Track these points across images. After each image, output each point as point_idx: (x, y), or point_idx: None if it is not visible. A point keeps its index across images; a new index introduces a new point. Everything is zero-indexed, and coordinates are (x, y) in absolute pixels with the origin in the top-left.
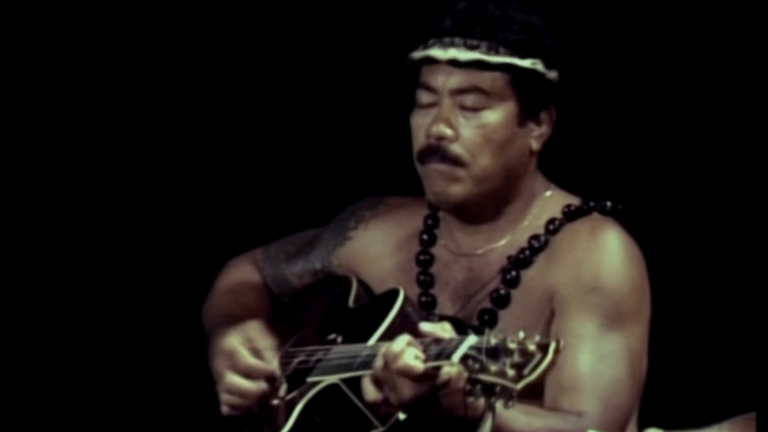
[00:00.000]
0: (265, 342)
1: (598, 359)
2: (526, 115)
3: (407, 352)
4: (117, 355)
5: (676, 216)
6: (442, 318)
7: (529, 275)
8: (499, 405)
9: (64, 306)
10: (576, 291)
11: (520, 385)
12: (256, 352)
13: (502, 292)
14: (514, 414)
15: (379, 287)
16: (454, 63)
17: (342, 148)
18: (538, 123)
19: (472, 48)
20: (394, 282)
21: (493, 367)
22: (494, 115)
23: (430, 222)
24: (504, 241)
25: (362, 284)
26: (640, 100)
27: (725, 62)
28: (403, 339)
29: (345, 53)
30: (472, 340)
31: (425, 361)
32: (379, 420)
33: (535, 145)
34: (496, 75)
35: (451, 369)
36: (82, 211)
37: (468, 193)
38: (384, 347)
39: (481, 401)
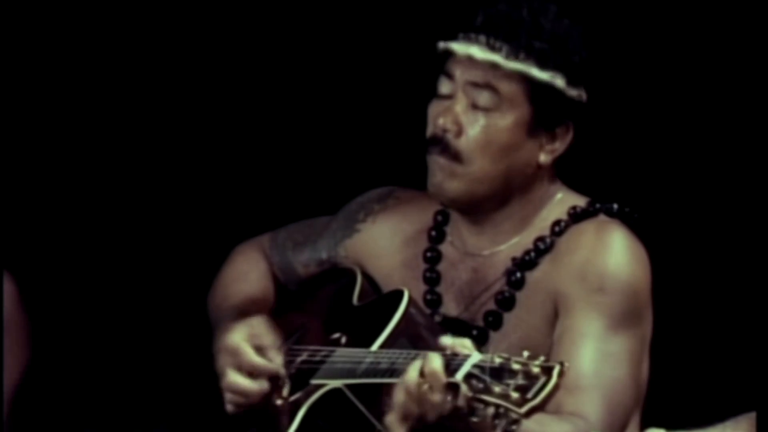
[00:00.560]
0: (270, 338)
1: (602, 359)
2: (537, 127)
3: (436, 360)
4: (117, 355)
5: (681, 219)
6: (447, 319)
7: (534, 277)
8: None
9: (64, 306)
10: (581, 291)
11: (524, 410)
12: (261, 350)
13: (507, 293)
14: (527, 424)
15: (385, 282)
16: (472, 59)
17: (351, 135)
18: (552, 137)
19: (492, 48)
20: (399, 277)
21: (497, 389)
22: (503, 119)
23: (439, 218)
24: (510, 244)
25: (367, 278)
26: (650, 104)
27: (731, 63)
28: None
29: (360, 40)
30: (476, 357)
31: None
32: (383, 426)
33: (544, 158)
34: (513, 79)
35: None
36: (81, 210)
37: (463, 191)
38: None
39: (485, 422)
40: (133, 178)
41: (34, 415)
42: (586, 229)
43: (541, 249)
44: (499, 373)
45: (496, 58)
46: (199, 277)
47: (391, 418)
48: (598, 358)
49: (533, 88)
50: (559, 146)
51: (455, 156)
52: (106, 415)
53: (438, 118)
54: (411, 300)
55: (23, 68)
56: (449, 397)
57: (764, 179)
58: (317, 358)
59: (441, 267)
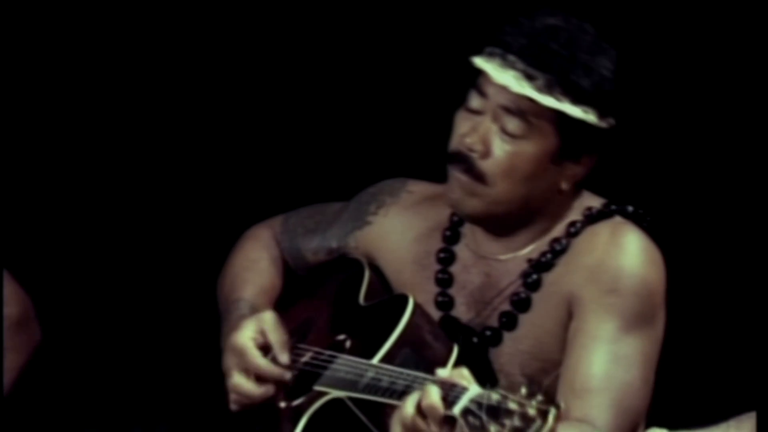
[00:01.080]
0: (279, 335)
1: (613, 361)
2: (563, 156)
3: (434, 392)
4: (118, 355)
5: (694, 222)
6: (457, 323)
7: (549, 279)
8: None
9: (64, 306)
10: (594, 292)
11: None
12: (268, 348)
13: (523, 295)
14: None
15: (395, 278)
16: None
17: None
18: (576, 164)
19: (529, 78)
20: (410, 274)
21: (492, 428)
22: (530, 147)
23: (455, 219)
24: (525, 250)
25: (376, 271)
26: (667, 108)
27: (747, 71)
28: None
29: (370, 34)
30: (473, 392)
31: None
32: None
33: (565, 185)
34: (545, 110)
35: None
36: (82, 208)
37: (482, 210)
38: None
39: None
40: (134, 174)
41: (35, 415)
42: (601, 230)
43: (557, 250)
44: (496, 411)
45: (532, 93)
46: (199, 277)
47: None
48: (609, 360)
49: (564, 121)
50: (581, 172)
51: (479, 177)
52: (106, 415)
53: (466, 137)
54: (416, 307)
55: (23, 68)
56: (445, 430)
57: None
58: (321, 361)
59: (454, 269)
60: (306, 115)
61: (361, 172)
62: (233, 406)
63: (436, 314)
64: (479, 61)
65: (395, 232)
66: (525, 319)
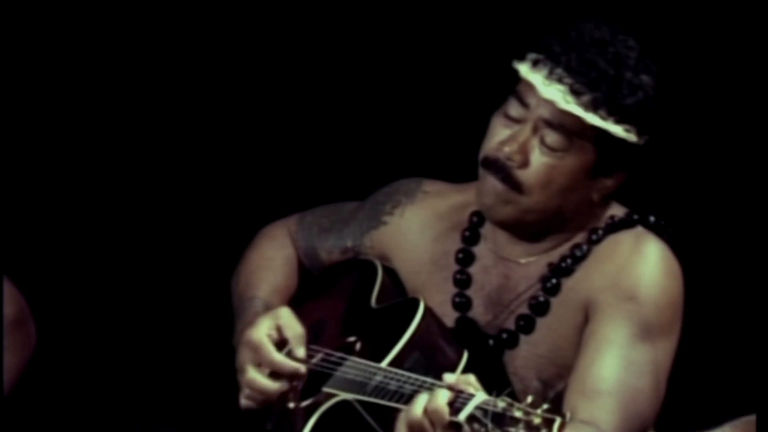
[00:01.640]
0: (295, 330)
1: (625, 367)
2: (598, 170)
3: (442, 397)
4: (118, 354)
5: (713, 234)
6: (473, 324)
7: (567, 284)
8: None
9: (64, 306)
10: (612, 298)
11: None
12: (283, 345)
13: (542, 299)
14: None
15: (412, 279)
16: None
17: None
18: (609, 178)
19: (575, 94)
20: (427, 275)
21: None
22: (568, 161)
23: (475, 219)
24: (547, 254)
25: (389, 273)
26: (697, 125)
27: None
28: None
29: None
30: (480, 398)
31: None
32: None
33: (596, 196)
34: (587, 127)
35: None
36: (82, 207)
37: (514, 217)
38: (420, 399)
39: None
40: (136, 173)
41: (35, 415)
42: (623, 239)
43: (578, 256)
44: (501, 418)
45: (577, 110)
46: (199, 277)
47: None
48: (621, 365)
49: (603, 137)
50: (613, 185)
51: (515, 186)
52: (105, 415)
53: (505, 145)
54: (426, 311)
55: (23, 70)
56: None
57: None
58: (331, 362)
59: (473, 269)
60: (320, 115)
61: (376, 171)
62: (245, 403)
63: (453, 315)
64: (524, 70)
65: (412, 232)
66: (542, 323)
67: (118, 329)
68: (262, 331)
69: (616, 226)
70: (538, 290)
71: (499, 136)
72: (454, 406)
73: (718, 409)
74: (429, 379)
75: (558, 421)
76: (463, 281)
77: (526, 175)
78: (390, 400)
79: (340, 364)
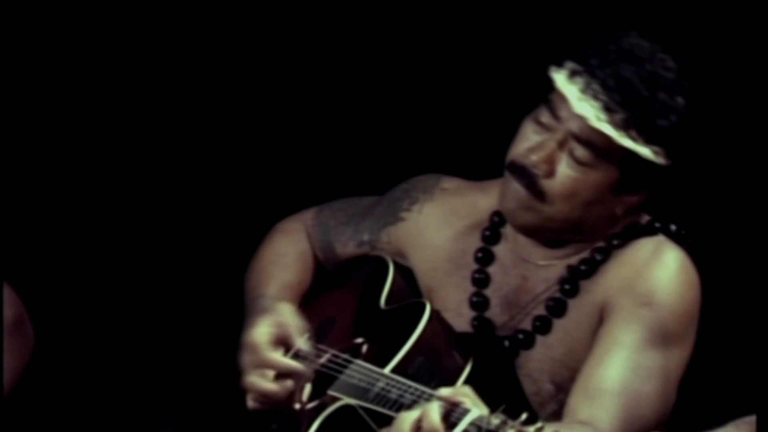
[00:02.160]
0: (295, 326)
1: (632, 370)
2: (624, 188)
3: (435, 411)
4: (117, 354)
5: (735, 247)
6: (489, 324)
7: (585, 287)
8: None
9: (64, 306)
10: (627, 301)
11: None
12: (284, 341)
13: (560, 299)
14: None
15: (429, 276)
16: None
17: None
18: (634, 194)
19: (608, 111)
20: (445, 273)
21: None
22: (594, 176)
23: (496, 219)
24: (567, 258)
25: (401, 271)
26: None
27: None
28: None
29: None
30: (474, 414)
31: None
32: None
33: (620, 211)
34: (616, 146)
35: None
36: (82, 207)
37: (535, 224)
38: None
39: None
40: (136, 172)
41: (35, 416)
42: (644, 245)
43: (598, 260)
44: None
45: (608, 130)
46: (199, 277)
47: None
48: (628, 367)
49: (631, 156)
50: (638, 201)
51: (539, 195)
52: (105, 415)
53: (532, 153)
54: (432, 316)
55: (23, 70)
56: None
57: None
58: (337, 364)
59: (492, 269)
60: (339, 111)
61: (396, 168)
62: (251, 404)
63: (469, 314)
64: (560, 81)
65: (430, 229)
66: (558, 325)
67: (118, 329)
68: (259, 332)
69: (638, 233)
70: (555, 291)
71: (528, 143)
72: (449, 421)
73: (721, 409)
74: (428, 390)
75: None
76: (481, 280)
77: (550, 185)
78: (390, 408)
79: (345, 367)
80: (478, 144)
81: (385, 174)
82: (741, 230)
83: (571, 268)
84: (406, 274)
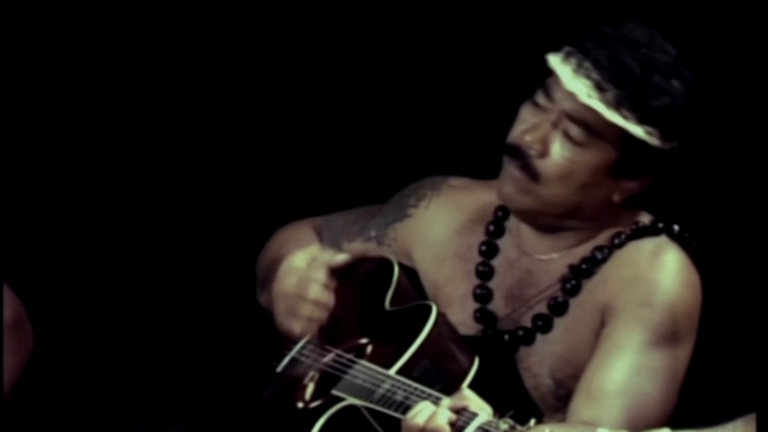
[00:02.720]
0: (330, 255)
1: (635, 371)
2: (620, 170)
3: (443, 416)
4: (118, 355)
5: (738, 249)
6: (492, 317)
7: (587, 287)
8: None
9: (64, 306)
10: (628, 303)
11: None
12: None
13: (561, 299)
14: None
15: (434, 272)
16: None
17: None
18: (632, 180)
19: (600, 90)
20: (451, 268)
21: None
22: (589, 156)
23: (500, 213)
24: (569, 252)
25: (406, 271)
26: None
27: None
28: (445, 406)
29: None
30: (482, 418)
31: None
32: None
33: (618, 198)
34: (609, 124)
35: None
36: (82, 211)
37: (532, 208)
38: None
39: None
40: (135, 180)
41: (35, 415)
42: (645, 246)
43: (599, 259)
44: None
45: (599, 107)
46: (199, 277)
47: None
48: (631, 369)
49: (626, 137)
50: (637, 188)
51: (533, 175)
52: (105, 414)
53: (526, 134)
54: (438, 318)
55: (23, 71)
56: None
57: None
58: (341, 364)
59: (496, 262)
60: (340, 118)
61: (402, 176)
62: (298, 327)
63: (473, 306)
64: (554, 61)
65: (437, 224)
66: (560, 323)
67: (118, 330)
68: (302, 255)
69: (640, 232)
70: (557, 290)
71: (524, 125)
72: (456, 425)
73: (721, 407)
74: (435, 393)
75: None
76: (485, 273)
77: (544, 165)
78: (396, 410)
79: (350, 367)
80: (484, 145)
81: (388, 178)
82: (743, 229)
83: (572, 267)
84: (410, 274)
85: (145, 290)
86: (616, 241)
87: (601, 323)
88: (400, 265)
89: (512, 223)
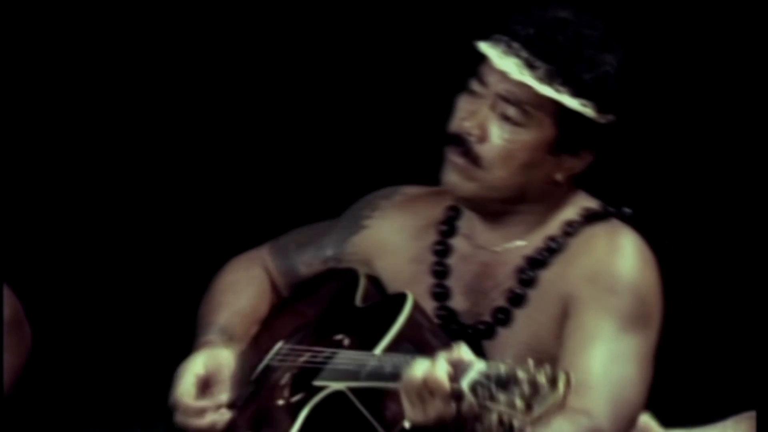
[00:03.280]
0: (228, 374)
1: (611, 358)
2: (561, 147)
3: (441, 368)
4: (117, 355)
5: (687, 224)
6: (453, 313)
7: (545, 277)
8: None
9: (64, 306)
10: (591, 292)
11: (530, 419)
12: (208, 385)
13: (519, 291)
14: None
15: (394, 279)
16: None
17: (349, 141)
18: (574, 157)
19: (530, 67)
20: (409, 273)
21: (502, 398)
22: (528, 136)
23: (451, 213)
24: (522, 242)
25: (371, 279)
26: (668, 113)
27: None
28: (442, 358)
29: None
30: (481, 365)
31: (452, 381)
32: (384, 429)
33: (561, 176)
34: (544, 100)
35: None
36: (82, 210)
37: (477, 194)
38: (419, 364)
39: (491, 429)
40: (134, 180)
41: (35, 415)
42: (598, 232)
43: (553, 248)
44: (505, 382)
45: (531, 81)
46: (199, 277)
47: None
48: (607, 357)
49: (563, 112)
50: (578, 166)
51: (474, 160)
52: (105, 415)
53: (464, 121)
54: (416, 304)
55: (23, 71)
56: (453, 404)
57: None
58: (319, 359)
59: (451, 260)
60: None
61: (346, 193)
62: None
63: (432, 305)
64: (483, 46)
65: (393, 232)
66: (521, 314)
67: (118, 330)
68: (184, 387)
69: (591, 219)
70: (515, 282)
71: (461, 113)
72: (455, 375)
73: (721, 405)
74: (425, 357)
75: (563, 377)
76: (441, 272)
77: (484, 150)
78: (387, 381)
79: (330, 358)
80: (428, 148)
81: (342, 197)
82: (695, 208)
83: (528, 259)
84: (375, 281)
85: (144, 290)
86: (569, 229)
87: (563, 313)
88: (365, 273)
89: (464, 220)
